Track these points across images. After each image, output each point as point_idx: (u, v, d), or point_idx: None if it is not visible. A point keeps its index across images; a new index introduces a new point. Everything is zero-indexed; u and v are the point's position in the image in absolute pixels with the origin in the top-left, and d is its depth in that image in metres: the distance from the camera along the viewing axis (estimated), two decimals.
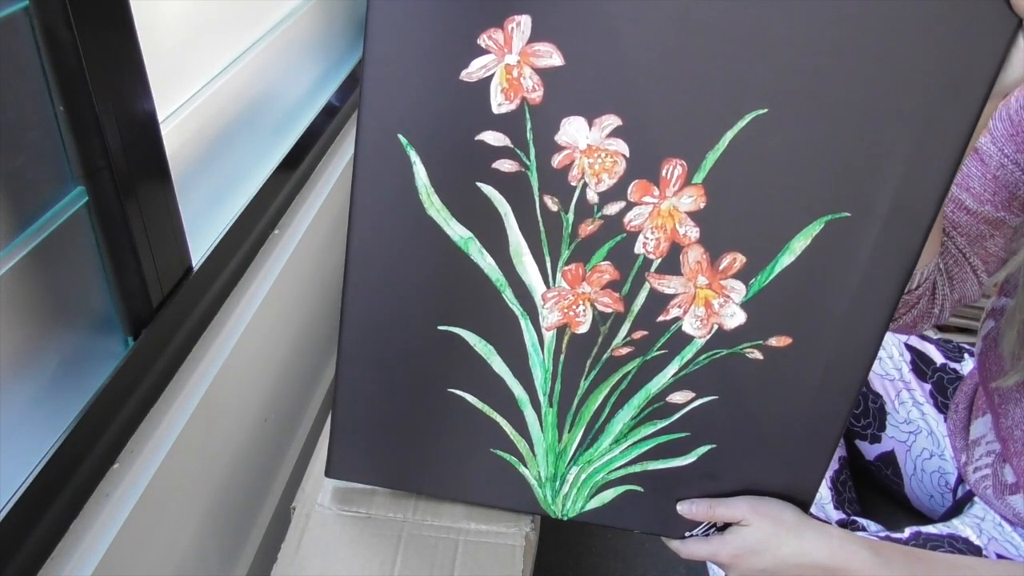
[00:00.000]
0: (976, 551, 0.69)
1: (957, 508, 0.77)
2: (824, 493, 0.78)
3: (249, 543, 0.81)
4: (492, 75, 0.50)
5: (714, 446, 0.62)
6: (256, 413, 0.81)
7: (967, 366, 0.85)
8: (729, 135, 0.50)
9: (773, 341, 0.57)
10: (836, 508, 0.79)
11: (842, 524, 0.78)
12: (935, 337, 0.90)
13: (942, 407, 0.83)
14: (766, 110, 0.50)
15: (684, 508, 0.64)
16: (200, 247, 0.73)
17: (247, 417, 0.79)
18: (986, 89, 0.48)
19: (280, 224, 0.90)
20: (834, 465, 0.82)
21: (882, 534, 0.72)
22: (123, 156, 0.59)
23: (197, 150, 0.77)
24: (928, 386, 0.85)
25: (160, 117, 0.64)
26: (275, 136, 0.96)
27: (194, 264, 0.71)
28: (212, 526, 0.73)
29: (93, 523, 0.56)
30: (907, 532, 0.71)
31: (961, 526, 0.72)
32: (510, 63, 0.50)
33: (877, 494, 0.87)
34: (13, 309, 0.53)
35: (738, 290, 0.55)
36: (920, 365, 0.86)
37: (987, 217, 0.67)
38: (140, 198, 0.62)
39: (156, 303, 0.65)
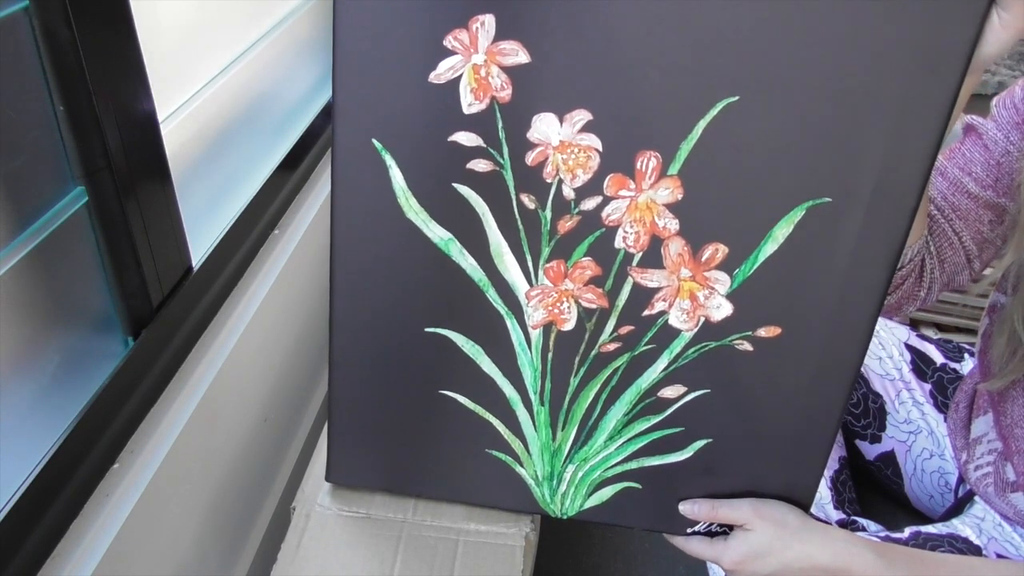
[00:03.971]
0: (976, 551, 0.69)
1: (958, 508, 0.77)
2: (824, 493, 0.78)
3: (249, 543, 0.81)
4: (460, 76, 0.50)
5: (710, 440, 0.61)
6: (256, 413, 0.81)
7: (967, 366, 0.85)
8: (702, 124, 0.50)
9: (762, 332, 0.57)
10: (836, 508, 0.79)
11: (842, 524, 0.78)
12: (935, 337, 0.90)
13: (942, 407, 0.83)
14: (737, 97, 0.49)
15: (686, 508, 0.64)
16: (200, 247, 0.73)
17: (247, 417, 0.79)
18: (962, 65, 0.47)
19: (280, 224, 0.90)
20: (834, 465, 0.82)
21: (882, 534, 0.72)
22: (123, 156, 0.59)
23: (197, 150, 0.77)
24: (928, 386, 0.85)
25: (160, 117, 0.64)
26: (275, 136, 0.96)
27: (194, 264, 0.71)
28: (212, 526, 0.73)
29: (93, 523, 0.56)
30: (907, 532, 0.71)
31: (961, 526, 0.72)
32: (477, 63, 0.50)
33: (877, 494, 0.87)
34: (13, 309, 0.53)
35: (722, 281, 0.55)
36: (920, 365, 0.86)
37: (988, 202, 0.67)
38: (140, 198, 0.62)
39: (156, 303, 0.66)
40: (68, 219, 0.56)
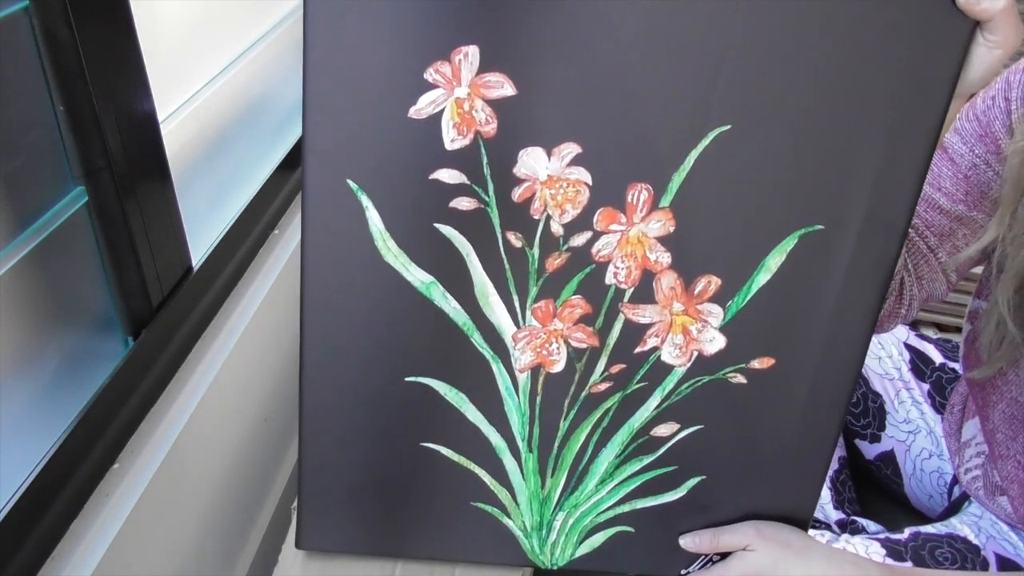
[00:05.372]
0: (974, 550, 0.70)
1: (954, 507, 0.77)
2: (824, 493, 0.78)
3: (249, 543, 0.81)
4: (442, 110, 0.48)
5: (704, 477, 0.60)
6: (256, 413, 0.81)
7: None
8: (694, 155, 0.49)
9: (755, 363, 0.55)
10: (836, 508, 0.79)
11: (841, 524, 0.78)
12: (934, 337, 0.90)
13: (940, 407, 0.84)
14: (729, 127, 0.48)
15: (688, 542, 0.62)
16: (200, 247, 0.73)
17: (247, 417, 0.79)
18: (949, 90, 0.47)
19: (280, 224, 0.90)
20: (834, 465, 0.82)
21: (882, 535, 0.72)
22: (123, 156, 0.59)
23: (197, 150, 0.77)
24: (927, 386, 0.85)
25: (160, 117, 0.64)
26: (275, 136, 0.96)
27: (194, 264, 0.71)
28: (212, 526, 0.73)
29: (93, 523, 0.56)
30: (906, 532, 0.71)
31: (959, 525, 0.72)
32: (460, 96, 0.48)
33: (877, 494, 0.88)
34: (13, 309, 0.53)
35: (716, 314, 0.54)
36: (919, 364, 0.86)
37: (959, 216, 0.66)
38: (140, 198, 0.62)
39: (156, 303, 0.66)
40: (68, 219, 0.56)
